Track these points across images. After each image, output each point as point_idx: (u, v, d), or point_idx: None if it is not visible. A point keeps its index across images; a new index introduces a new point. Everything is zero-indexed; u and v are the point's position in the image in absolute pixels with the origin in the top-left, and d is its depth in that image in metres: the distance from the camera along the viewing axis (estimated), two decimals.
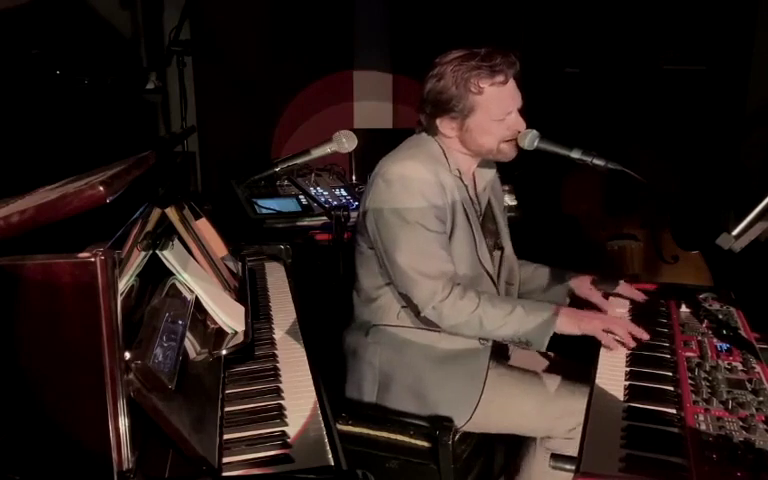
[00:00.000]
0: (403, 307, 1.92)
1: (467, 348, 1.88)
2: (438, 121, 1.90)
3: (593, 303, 2.04)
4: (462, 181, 1.94)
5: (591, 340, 1.77)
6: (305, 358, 1.61)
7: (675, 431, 1.31)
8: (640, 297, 2.04)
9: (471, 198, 1.96)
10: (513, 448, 2.10)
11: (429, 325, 1.87)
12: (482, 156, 1.96)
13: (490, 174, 2.06)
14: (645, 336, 1.74)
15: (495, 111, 1.86)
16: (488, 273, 1.96)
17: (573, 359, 2.06)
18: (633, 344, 1.73)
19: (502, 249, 2.07)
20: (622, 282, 2.09)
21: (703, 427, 1.29)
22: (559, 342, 1.82)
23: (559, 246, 3.29)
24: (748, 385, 1.45)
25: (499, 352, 2.01)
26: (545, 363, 2.14)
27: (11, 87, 2.89)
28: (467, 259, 1.91)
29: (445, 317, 1.81)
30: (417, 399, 1.89)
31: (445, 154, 1.93)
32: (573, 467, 1.23)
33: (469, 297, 1.81)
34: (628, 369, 1.61)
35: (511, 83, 1.88)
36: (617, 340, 1.74)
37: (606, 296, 2.06)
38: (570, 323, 1.79)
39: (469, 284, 1.87)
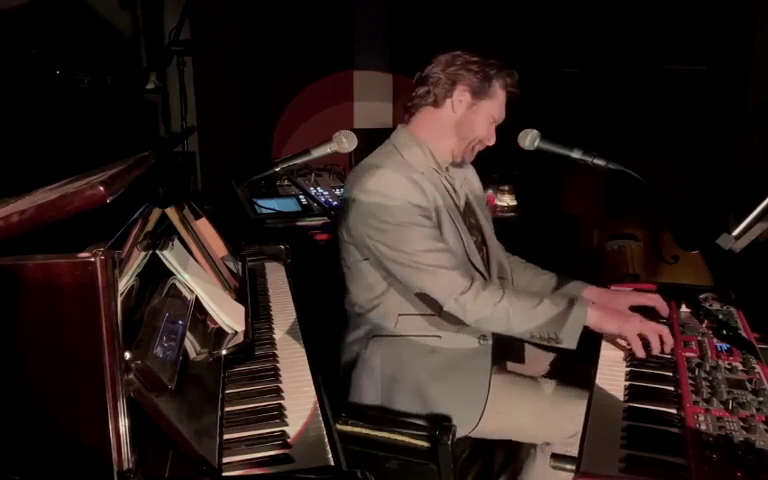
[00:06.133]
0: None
1: (467, 350, 1.85)
2: (458, 88, 1.90)
3: None
4: (440, 172, 1.93)
5: (590, 339, 1.77)
6: (305, 358, 1.61)
7: (675, 431, 1.31)
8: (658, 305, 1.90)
9: (449, 191, 1.95)
10: (513, 449, 2.10)
11: (452, 321, 1.80)
12: (460, 148, 1.94)
13: (464, 170, 2.06)
14: (671, 344, 1.65)
15: (496, 112, 1.94)
16: (478, 270, 1.93)
17: (572, 358, 2.05)
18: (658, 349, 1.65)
19: (486, 244, 2.03)
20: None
21: (703, 427, 1.29)
22: None
23: (559, 246, 3.29)
24: (748, 385, 1.44)
25: (500, 353, 1.99)
26: (545, 363, 2.13)
27: (11, 87, 2.90)
28: (459, 258, 1.87)
29: (469, 311, 1.74)
30: (420, 409, 1.86)
31: (420, 146, 1.91)
32: (573, 467, 1.23)
33: (492, 288, 1.77)
34: (628, 369, 1.61)
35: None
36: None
37: None
38: (608, 319, 1.70)
39: None
